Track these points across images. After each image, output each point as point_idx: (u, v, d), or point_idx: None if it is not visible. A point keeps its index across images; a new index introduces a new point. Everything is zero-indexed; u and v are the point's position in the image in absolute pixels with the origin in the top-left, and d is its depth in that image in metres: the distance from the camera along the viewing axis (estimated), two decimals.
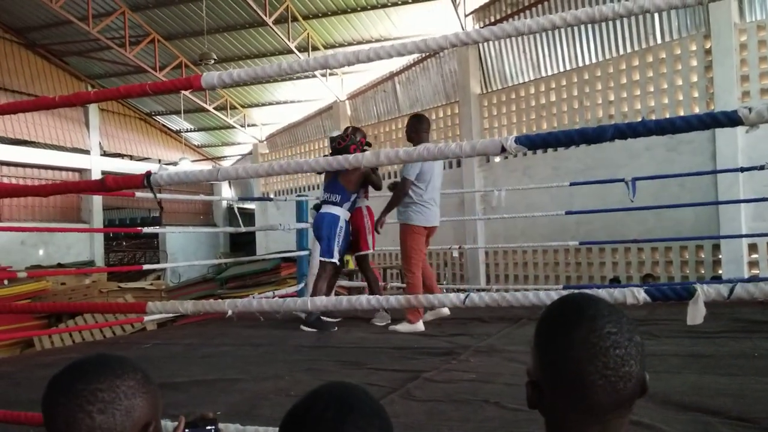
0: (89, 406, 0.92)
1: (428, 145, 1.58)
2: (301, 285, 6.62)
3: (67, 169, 15.62)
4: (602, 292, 1.37)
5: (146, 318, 5.82)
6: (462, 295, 1.57)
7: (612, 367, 0.88)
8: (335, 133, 5.27)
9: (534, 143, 1.43)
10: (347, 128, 5.26)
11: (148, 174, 1.76)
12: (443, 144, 1.50)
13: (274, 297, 6.22)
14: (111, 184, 1.80)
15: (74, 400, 0.93)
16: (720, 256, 8.23)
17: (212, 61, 12.45)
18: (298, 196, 7.41)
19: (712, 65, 8.27)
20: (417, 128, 4.84)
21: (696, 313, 1.29)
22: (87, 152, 16.21)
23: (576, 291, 1.36)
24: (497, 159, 10.94)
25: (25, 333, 6.72)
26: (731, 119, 1.24)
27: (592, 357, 0.89)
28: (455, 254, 10.83)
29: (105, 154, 16.84)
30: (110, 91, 1.80)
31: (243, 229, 7.92)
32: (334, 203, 5.00)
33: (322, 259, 4.98)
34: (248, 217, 17.30)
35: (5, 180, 14.25)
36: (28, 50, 15.39)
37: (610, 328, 0.90)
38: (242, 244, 17.46)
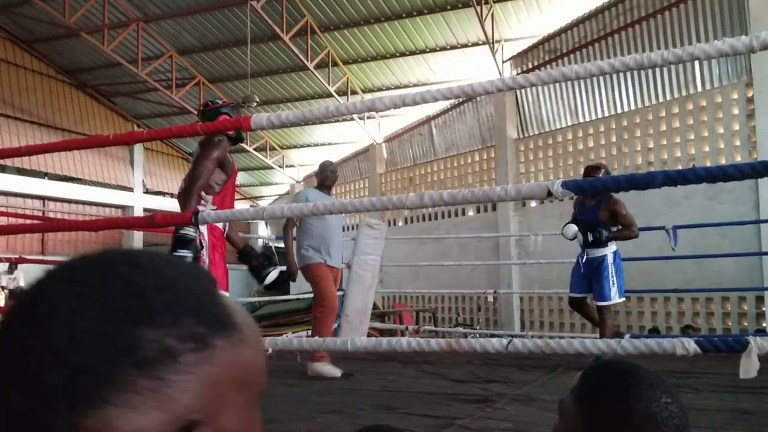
0: None
1: (474, 189, 1.59)
2: (335, 325, 6.59)
3: (110, 206, 16.07)
4: (651, 343, 1.34)
5: None
6: (504, 341, 1.55)
7: None
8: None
9: (581, 188, 1.42)
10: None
11: (196, 212, 1.80)
12: (488, 187, 1.50)
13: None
14: (160, 221, 1.85)
15: None
16: (764, 309, 7.95)
17: (255, 104, 12.77)
18: None
19: (755, 114, 8.15)
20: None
21: (749, 367, 1.24)
22: (130, 189, 16.67)
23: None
24: (533, 204, 10.86)
25: None
26: None
27: (654, 427, 0.93)
28: (490, 299, 10.68)
29: (147, 191, 17.29)
30: (162, 130, 1.86)
31: (281, 267, 7.99)
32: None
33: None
34: (282, 256, 17.42)
35: (51, 215, 14.71)
36: (79, 90, 16.06)
37: (666, 399, 0.96)
38: (276, 282, 17.53)
